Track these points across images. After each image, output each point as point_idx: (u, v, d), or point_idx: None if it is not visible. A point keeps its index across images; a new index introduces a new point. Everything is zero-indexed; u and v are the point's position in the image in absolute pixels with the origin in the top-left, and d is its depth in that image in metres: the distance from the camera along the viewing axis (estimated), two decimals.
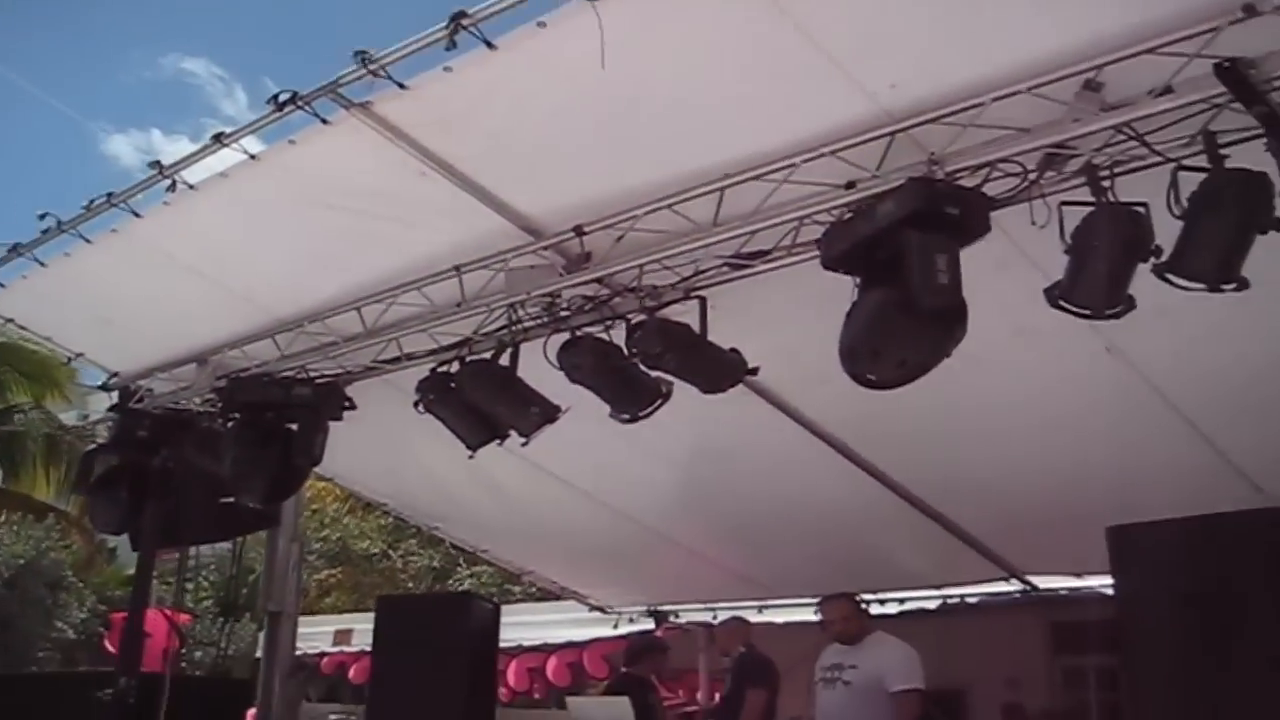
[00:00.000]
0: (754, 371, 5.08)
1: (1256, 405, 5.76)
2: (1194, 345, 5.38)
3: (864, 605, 7.11)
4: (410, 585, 22.18)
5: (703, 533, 8.79)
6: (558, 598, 11.10)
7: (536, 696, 13.01)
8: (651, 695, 8.45)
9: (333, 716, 9.88)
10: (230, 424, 6.75)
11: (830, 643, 7.26)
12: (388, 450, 7.94)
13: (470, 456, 6.00)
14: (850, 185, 4.42)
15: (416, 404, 5.95)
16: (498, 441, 5.95)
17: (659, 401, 5.35)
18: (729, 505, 8.06)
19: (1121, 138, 4.01)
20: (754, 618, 9.24)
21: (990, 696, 10.75)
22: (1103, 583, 8.10)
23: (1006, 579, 8.55)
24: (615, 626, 10.53)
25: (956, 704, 10.24)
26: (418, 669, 6.94)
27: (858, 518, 7.77)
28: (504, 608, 17.34)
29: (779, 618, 9.19)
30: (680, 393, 6.11)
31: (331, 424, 6.92)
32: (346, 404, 6.60)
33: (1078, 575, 8.31)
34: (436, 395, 5.91)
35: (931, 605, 9.20)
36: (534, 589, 11.16)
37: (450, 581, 21.32)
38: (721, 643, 8.55)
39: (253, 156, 4.97)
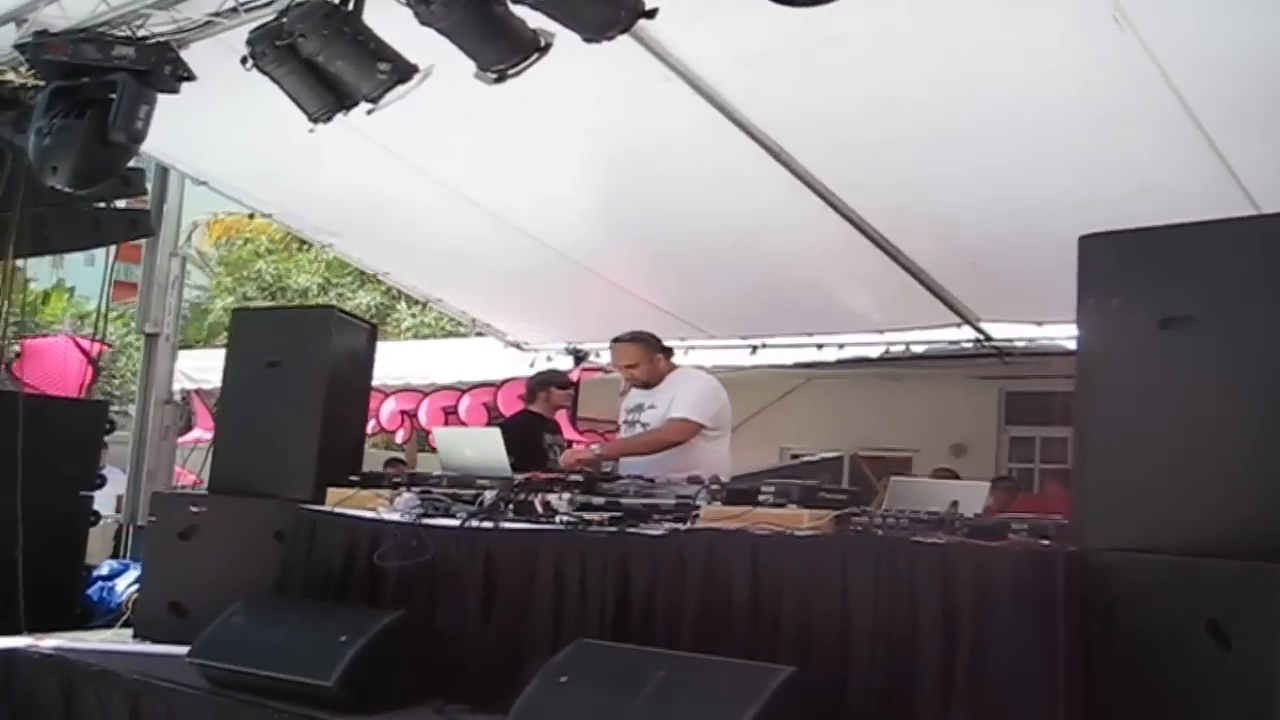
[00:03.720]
0: (651, 14, 3.92)
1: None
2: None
3: (664, 346, 6.13)
4: None
5: (625, 262, 7.79)
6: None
7: None
8: (551, 436, 7.57)
9: None
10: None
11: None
12: (265, 150, 6.81)
13: (310, 130, 4.91)
14: None
15: (244, 60, 4.79)
16: (343, 113, 4.85)
17: (534, 55, 4.22)
18: (654, 229, 7.05)
19: None
20: (681, 359, 8.26)
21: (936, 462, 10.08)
22: (1067, 334, 7.25)
23: (959, 325, 7.57)
24: (531, 365, 9.61)
25: (905, 472, 9.56)
26: (269, 396, 5.96)
27: (799, 244, 6.78)
28: (419, 343, 16.69)
29: (708, 360, 8.23)
30: (596, 92, 5.35)
31: (200, 116, 6.00)
32: (184, 73, 5.41)
33: (1038, 324, 7.34)
34: (269, 50, 4.74)
35: (874, 353, 8.25)
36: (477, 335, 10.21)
37: (387, 324, 20.37)
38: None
39: None
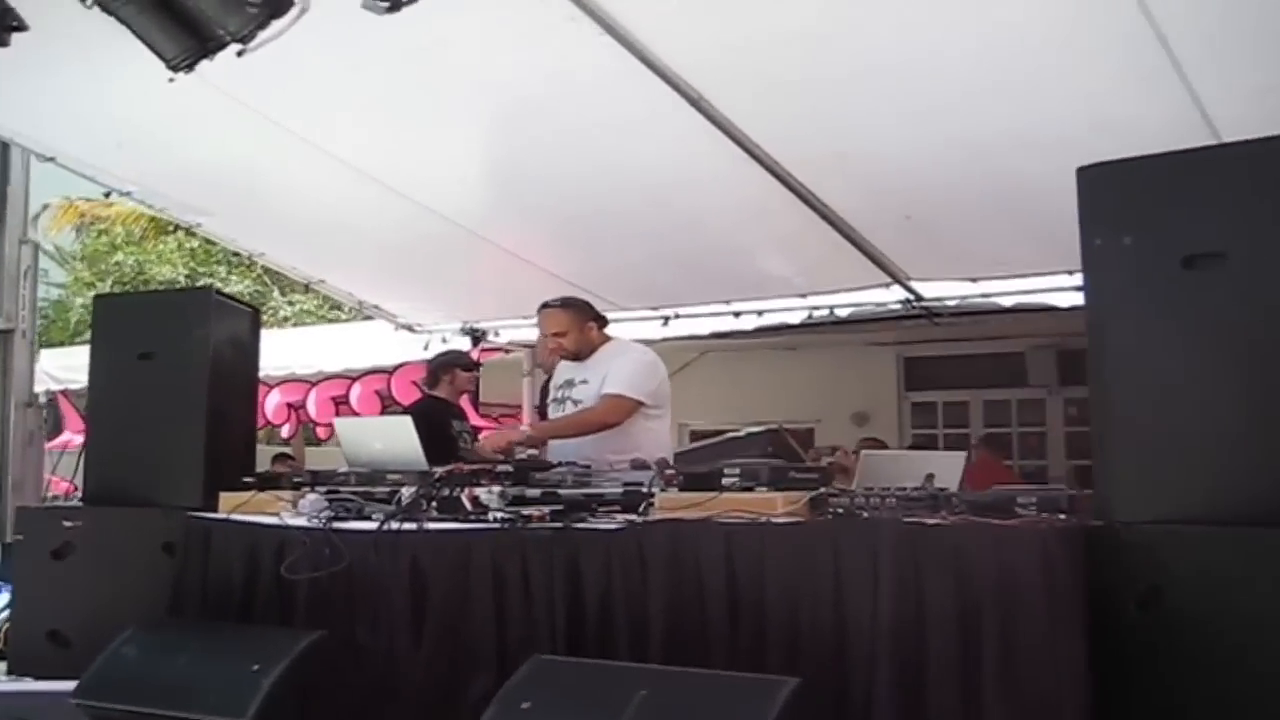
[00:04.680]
0: None
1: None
2: None
3: (597, 314, 5.55)
4: None
5: (525, 229, 7.18)
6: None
7: None
8: (458, 423, 6.99)
9: None
10: None
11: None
12: (120, 118, 6.06)
13: (170, 79, 4.26)
14: None
15: None
16: (207, 59, 4.22)
17: None
18: (557, 191, 6.45)
19: None
20: None
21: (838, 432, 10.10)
22: (1002, 289, 6.91)
23: (888, 285, 7.15)
24: (426, 348, 8.97)
25: (809, 441, 9.32)
26: (143, 392, 5.26)
27: (718, 202, 6.28)
28: (303, 330, 15.86)
29: (616, 334, 7.63)
30: (496, 39, 4.84)
31: (42, 81, 5.39)
32: (13, 22, 4.70)
33: (973, 280, 6.95)
34: None
35: (795, 319, 7.79)
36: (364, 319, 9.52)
37: (264, 314, 19.30)
38: (541, 356, 6.97)
39: None
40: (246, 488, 4.87)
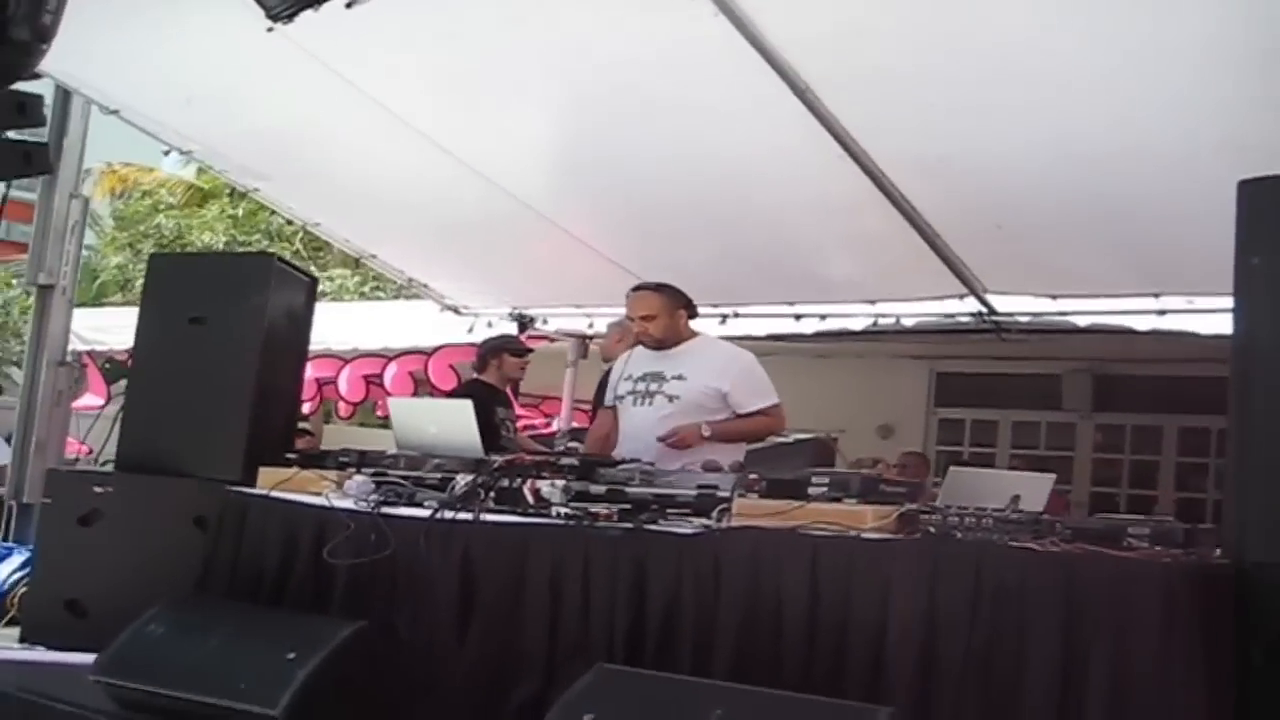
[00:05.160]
0: None
1: None
2: None
3: (690, 304, 5.24)
4: None
5: (592, 212, 6.91)
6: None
7: (380, 415, 11.23)
8: (502, 410, 6.72)
9: None
10: None
11: (626, 349, 5.50)
12: (187, 72, 5.84)
13: (269, 29, 4.04)
14: None
15: None
16: (313, 8, 3.98)
17: None
18: (631, 172, 6.16)
19: None
20: None
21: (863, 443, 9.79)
22: (1080, 308, 6.60)
23: (961, 296, 6.84)
24: (470, 330, 8.71)
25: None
26: (191, 358, 5.05)
27: (801, 198, 6.00)
28: (341, 305, 15.65)
29: None
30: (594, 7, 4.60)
31: (110, 31, 5.11)
32: None
33: (1052, 298, 6.64)
34: None
35: (858, 325, 7.49)
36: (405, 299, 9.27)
37: None
38: (607, 347, 6.67)
39: None
40: (289, 464, 4.65)
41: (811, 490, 3.60)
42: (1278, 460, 2.99)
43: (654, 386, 5.05)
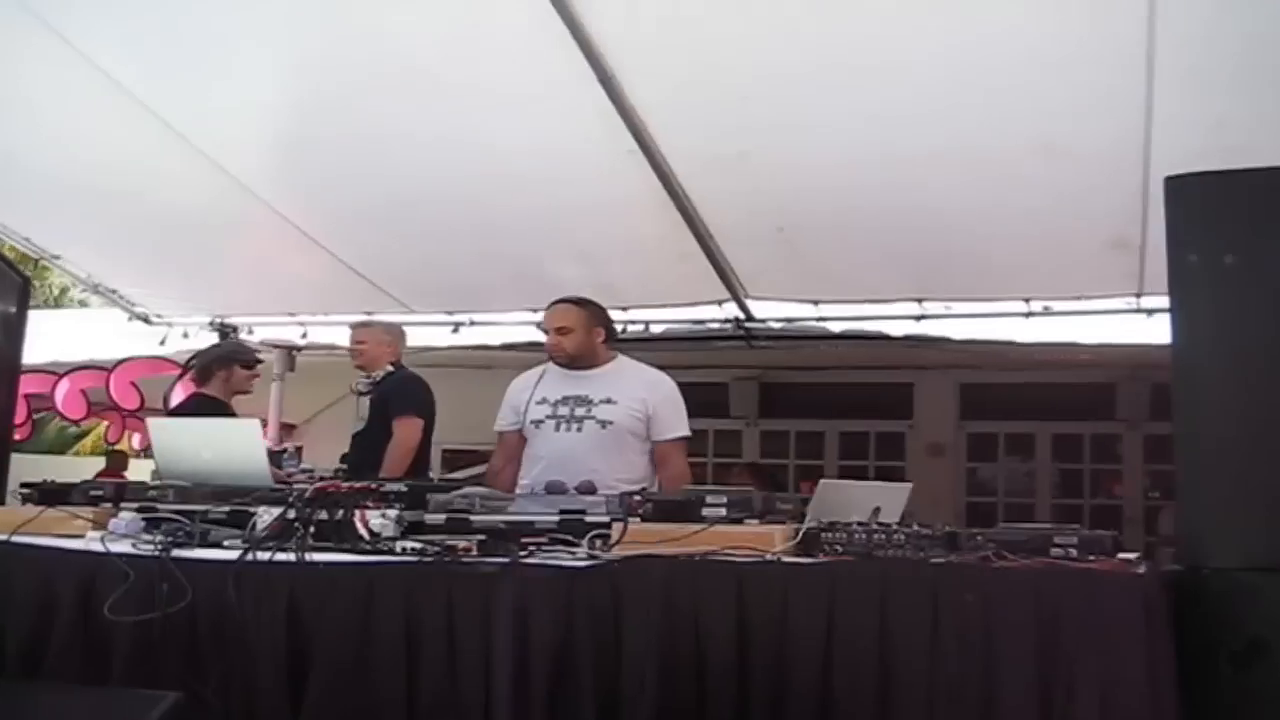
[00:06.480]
0: None
1: None
2: None
3: (612, 326, 4.96)
4: None
5: (323, 202, 6.21)
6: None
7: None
8: None
9: None
10: None
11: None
12: None
13: None
14: None
15: None
16: None
17: None
18: (383, 157, 5.56)
19: None
20: None
21: None
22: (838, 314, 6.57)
23: (720, 302, 6.66)
24: (162, 343, 7.79)
25: None
26: None
27: (575, 194, 5.63)
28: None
29: (417, 340, 6.77)
30: None
31: None
32: None
33: (814, 303, 6.57)
34: None
35: None
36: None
37: None
38: (370, 351, 5.98)
39: None
40: (31, 502, 3.81)
41: (706, 511, 3.23)
42: (1229, 463, 2.89)
43: (580, 410, 4.69)
